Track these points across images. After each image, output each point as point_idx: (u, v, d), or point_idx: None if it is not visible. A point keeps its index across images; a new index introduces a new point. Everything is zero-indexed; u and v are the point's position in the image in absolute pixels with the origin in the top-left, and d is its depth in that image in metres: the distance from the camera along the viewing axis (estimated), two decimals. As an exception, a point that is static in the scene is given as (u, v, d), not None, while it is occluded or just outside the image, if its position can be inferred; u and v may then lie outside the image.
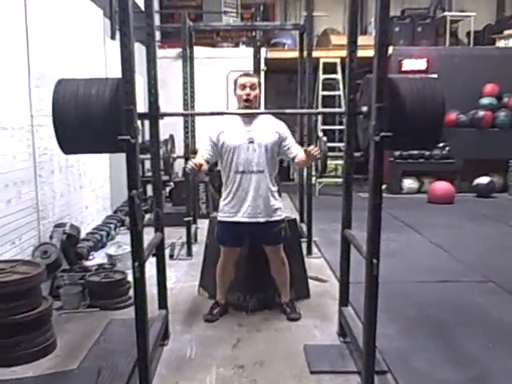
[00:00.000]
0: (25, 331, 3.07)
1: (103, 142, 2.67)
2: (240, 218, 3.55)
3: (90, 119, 2.63)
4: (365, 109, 2.90)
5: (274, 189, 3.63)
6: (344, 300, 3.42)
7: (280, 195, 3.79)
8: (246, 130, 3.53)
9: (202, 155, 3.53)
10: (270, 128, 3.58)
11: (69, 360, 3.12)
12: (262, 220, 3.56)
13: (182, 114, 3.24)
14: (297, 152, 3.60)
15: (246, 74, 3.68)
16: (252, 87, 3.54)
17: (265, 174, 3.53)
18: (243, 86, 3.54)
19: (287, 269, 3.84)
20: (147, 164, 7.40)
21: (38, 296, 3.23)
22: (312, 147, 3.41)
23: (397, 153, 9.80)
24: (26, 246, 4.35)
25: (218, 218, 3.69)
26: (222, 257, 3.78)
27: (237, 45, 10.97)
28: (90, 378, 2.83)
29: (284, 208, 3.73)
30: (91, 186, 6.22)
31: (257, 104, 3.64)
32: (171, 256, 5.37)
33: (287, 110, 3.53)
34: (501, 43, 10.83)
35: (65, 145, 2.77)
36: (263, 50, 8.71)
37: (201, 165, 3.34)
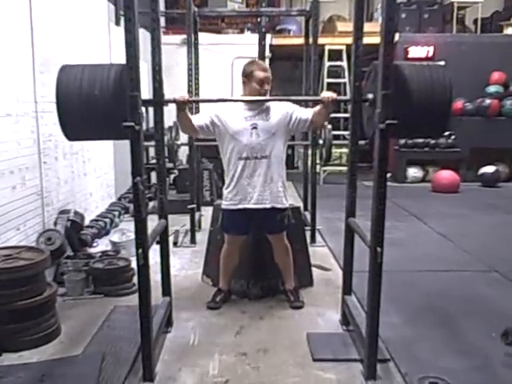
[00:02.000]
0: (29, 317, 3.09)
1: (107, 128, 2.66)
2: (246, 204, 3.53)
3: (94, 106, 2.62)
4: (370, 96, 2.87)
5: (282, 174, 3.58)
6: (347, 288, 3.42)
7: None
8: (249, 115, 3.49)
9: (197, 119, 3.53)
10: (274, 112, 3.51)
11: (73, 346, 3.14)
12: (268, 206, 3.53)
13: (187, 101, 3.24)
14: (310, 113, 3.52)
15: (263, 68, 3.52)
16: (269, 83, 3.49)
17: (270, 159, 3.48)
18: (262, 82, 3.46)
19: (290, 256, 3.83)
20: (151, 151, 7.40)
21: (42, 282, 3.25)
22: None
23: (402, 141, 9.77)
24: (31, 232, 4.36)
25: (222, 206, 3.66)
26: (226, 244, 3.77)
27: (242, 31, 10.90)
28: (94, 364, 2.85)
29: (288, 196, 3.71)
30: (95, 173, 6.22)
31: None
32: (175, 243, 5.38)
33: (291, 97, 3.49)
34: (508, 30, 10.74)
35: (69, 131, 2.77)
36: (268, 37, 8.64)
37: (187, 102, 3.27)
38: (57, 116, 2.69)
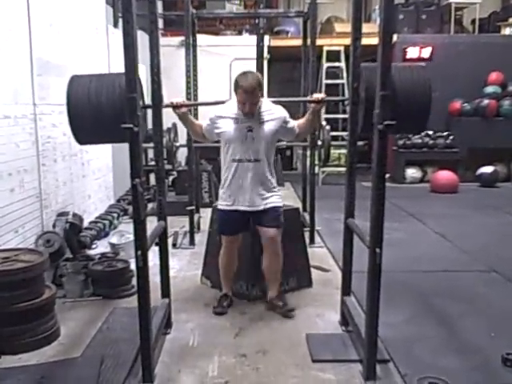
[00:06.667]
0: (29, 319, 3.09)
1: (114, 133, 2.69)
2: (239, 206, 3.53)
3: (102, 111, 2.70)
4: (362, 95, 2.95)
5: (271, 177, 3.56)
6: (346, 289, 3.42)
7: (282, 185, 3.77)
8: (245, 118, 3.44)
9: (203, 123, 3.61)
10: (270, 116, 3.48)
11: (72, 348, 3.14)
12: (259, 208, 3.53)
13: (186, 105, 3.29)
14: (296, 126, 3.59)
15: (247, 85, 3.31)
16: (254, 93, 3.33)
17: (262, 163, 3.47)
18: (243, 103, 3.35)
19: (281, 263, 3.70)
20: (150, 153, 7.39)
21: (41, 284, 3.25)
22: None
23: (400, 142, 9.78)
24: (29, 234, 4.36)
25: (218, 207, 3.68)
26: (224, 247, 3.75)
27: (240, 33, 10.91)
28: (93, 366, 2.85)
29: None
30: (94, 175, 6.21)
31: (257, 107, 3.44)
32: (174, 245, 5.38)
33: (290, 98, 3.51)
34: (506, 31, 10.74)
35: (80, 136, 2.90)
36: (266, 38, 8.66)
37: (182, 105, 3.42)
38: (68, 123, 2.83)
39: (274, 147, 3.63)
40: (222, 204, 3.62)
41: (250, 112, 3.39)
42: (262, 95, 3.49)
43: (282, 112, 3.54)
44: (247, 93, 3.32)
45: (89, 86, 2.80)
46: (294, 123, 3.60)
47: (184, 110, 3.47)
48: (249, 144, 3.44)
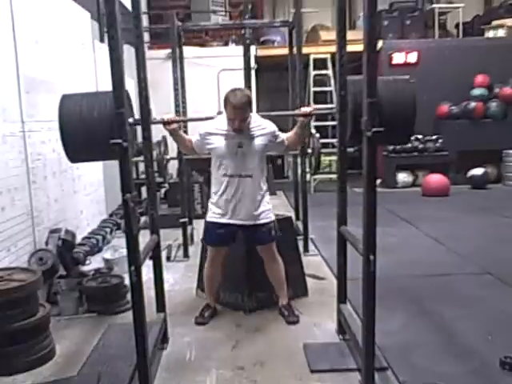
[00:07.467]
0: (23, 339, 3.06)
1: (107, 150, 2.69)
2: (227, 219, 3.54)
3: (94, 128, 2.69)
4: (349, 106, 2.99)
5: (263, 192, 3.58)
6: (342, 297, 3.41)
7: (274, 193, 3.77)
8: (235, 134, 3.45)
9: (192, 138, 3.62)
10: (259, 131, 3.50)
11: (68, 367, 3.11)
12: (249, 223, 3.54)
13: (177, 121, 3.37)
14: (286, 135, 3.61)
15: (237, 102, 3.32)
16: (243, 109, 3.36)
17: (253, 178, 3.49)
18: (233, 120, 3.37)
19: (282, 269, 3.78)
20: (141, 166, 7.37)
21: (35, 303, 3.22)
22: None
23: (390, 147, 9.81)
24: (22, 252, 4.32)
25: (207, 219, 3.67)
26: (209, 258, 3.76)
27: (226, 43, 10.94)
28: (89, 385, 2.82)
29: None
30: (85, 190, 6.18)
31: (246, 123, 3.46)
32: (168, 258, 5.35)
33: (278, 112, 3.52)
34: (490, 33, 10.83)
35: (72, 154, 2.92)
36: (253, 48, 8.69)
37: (173, 122, 3.43)
38: (60, 140, 2.83)
39: (265, 160, 3.64)
40: (211, 216, 3.62)
41: (239, 128, 3.40)
42: (251, 111, 3.50)
43: (271, 127, 3.56)
44: (236, 109, 3.34)
45: (81, 103, 2.81)
46: (283, 137, 3.60)
47: (174, 126, 3.45)
48: (239, 160, 3.45)
